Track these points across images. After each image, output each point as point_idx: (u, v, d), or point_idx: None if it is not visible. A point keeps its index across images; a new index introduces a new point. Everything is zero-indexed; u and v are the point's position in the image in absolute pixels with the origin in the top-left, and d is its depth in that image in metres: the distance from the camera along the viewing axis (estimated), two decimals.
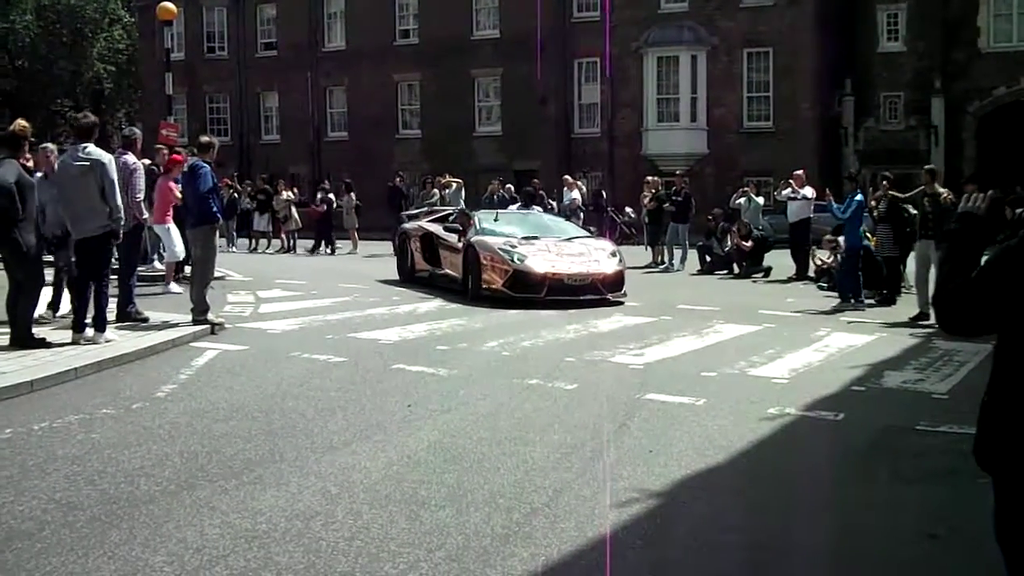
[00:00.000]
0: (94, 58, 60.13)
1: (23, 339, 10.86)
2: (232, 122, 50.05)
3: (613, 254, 17.51)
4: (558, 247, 17.29)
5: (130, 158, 13.43)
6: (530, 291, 16.12)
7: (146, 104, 49.19)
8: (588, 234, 20.08)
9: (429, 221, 20.74)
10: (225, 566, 5.16)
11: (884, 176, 17.64)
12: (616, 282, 16.83)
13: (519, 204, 26.36)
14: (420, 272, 19.60)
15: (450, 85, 43.34)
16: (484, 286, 16.61)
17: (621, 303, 16.36)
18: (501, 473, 6.86)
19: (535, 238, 17.62)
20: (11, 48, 59.68)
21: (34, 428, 8.03)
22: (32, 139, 11.53)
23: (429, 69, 43.94)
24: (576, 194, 29.93)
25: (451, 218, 19.87)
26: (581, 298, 16.05)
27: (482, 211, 21.48)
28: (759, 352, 11.85)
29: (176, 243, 16.96)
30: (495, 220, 18.92)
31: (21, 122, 11.47)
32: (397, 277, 20.49)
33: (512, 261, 16.34)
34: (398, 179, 32.88)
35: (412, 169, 38.61)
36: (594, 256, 17.17)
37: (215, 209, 13.29)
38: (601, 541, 5.65)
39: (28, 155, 11.62)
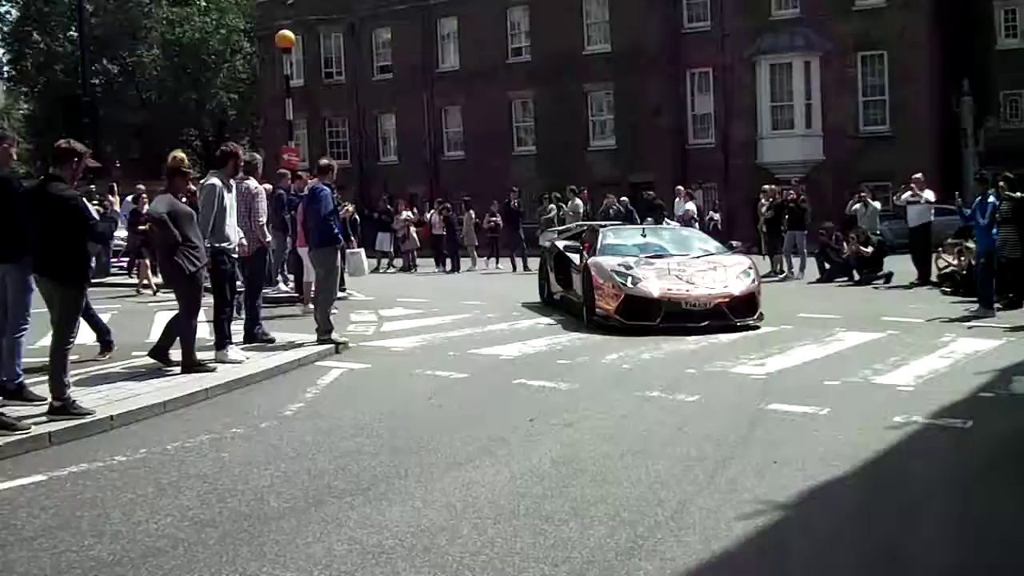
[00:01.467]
0: (218, 87, 61.68)
1: (188, 363, 11.23)
2: (351, 145, 50.80)
3: (747, 272, 15.41)
4: (682, 266, 15.54)
5: (252, 183, 13.80)
6: (643, 318, 14.35)
7: (267, 130, 50.17)
8: (724, 249, 17.18)
9: (565, 238, 19.08)
10: None
11: (1004, 176, 17.05)
12: (747, 305, 14.79)
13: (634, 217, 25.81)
14: (555, 294, 18.32)
15: (563, 101, 43.44)
16: (598, 311, 14.98)
17: (755, 327, 14.69)
18: (624, 486, 6.87)
19: (658, 257, 16.02)
20: (139, 82, 61.56)
21: (167, 447, 8.27)
22: (187, 169, 11.92)
23: (542, 86, 44.09)
24: (691, 205, 29.74)
25: (582, 235, 18.38)
26: (703, 325, 14.23)
27: (610, 225, 19.61)
28: (883, 360, 11.66)
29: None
30: (618, 236, 17.36)
31: (175, 154, 11.89)
32: (515, 294, 20.57)
33: (625, 285, 14.64)
34: (512, 194, 33.01)
35: (528, 186, 38.70)
36: (722, 276, 15.17)
37: (336, 230, 13.55)
38: (727, 555, 5.63)
39: (189, 184, 12.08)
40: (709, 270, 15.44)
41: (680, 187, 31.77)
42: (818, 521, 6.27)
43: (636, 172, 40.60)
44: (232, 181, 12.50)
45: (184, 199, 11.58)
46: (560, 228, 22.79)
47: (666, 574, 5.33)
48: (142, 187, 24.15)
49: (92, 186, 21.54)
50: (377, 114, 50.15)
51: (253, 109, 61.19)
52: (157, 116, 60.60)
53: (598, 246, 16.51)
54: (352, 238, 17.36)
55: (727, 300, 14.60)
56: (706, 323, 14.26)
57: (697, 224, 28.05)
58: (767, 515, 6.26)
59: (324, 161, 14.61)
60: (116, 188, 20.82)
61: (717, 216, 33.99)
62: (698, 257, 16.24)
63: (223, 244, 11.94)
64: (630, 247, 16.62)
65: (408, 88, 47.78)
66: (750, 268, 15.57)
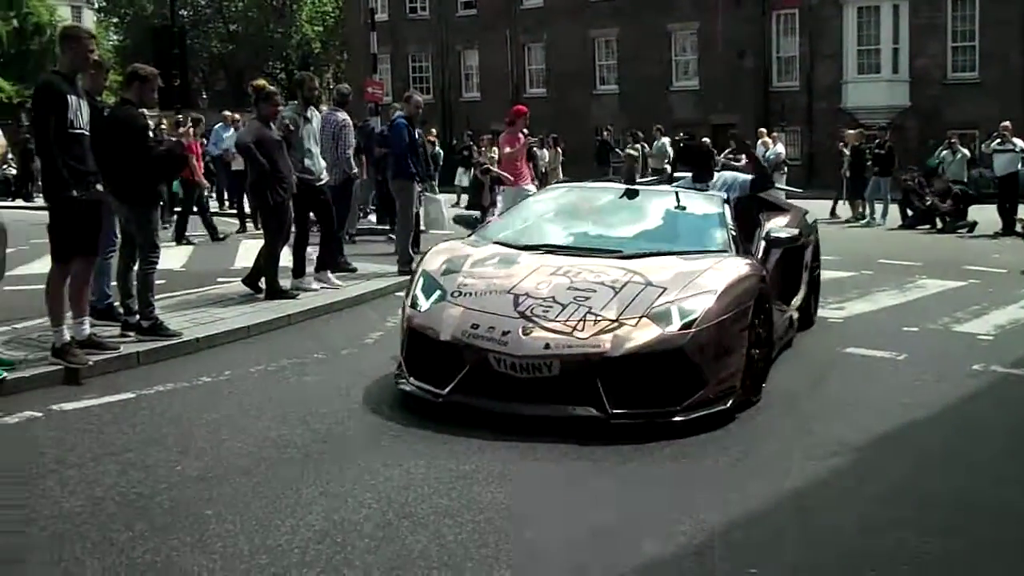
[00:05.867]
0: (303, 21, 61.98)
1: (272, 291, 11.44)
2: (434, 80, 50.79)
3: (702, 297, 7.18)
4: (599, 274, 7.55)
5: (341, 114, 13.93)
6: (431, 378, 7.18)
7: (352, 64, 50.36)
8: (728, 250, 8.27)
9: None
10: (431, 504, 5.40)
11: None
12: (658, 374, 6.84)
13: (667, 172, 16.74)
14: None
15: (647, 40, 43.00)
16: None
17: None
18: (705, 419, 6.90)
19: (586, 250, 8.17)
20: (226, 15, 62.08)
21: (251, 370, 8.48)
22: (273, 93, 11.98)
23: (626, 24, 43.68)
24: (780, 148, 29.10)
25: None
26: (530, 411, 6.78)
27: (584, 185, 10.96)
28: (963, 308, 11.56)
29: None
30: (555, 201, 9.76)
31: (257, 82, 12.01)
32: None
33: (415, 308, 7.61)
34: (606, 132, 32.77)
35: (611, 124, 38.47)
36: (640, 303, 7.15)
37: (411, 167, 13.66)
38: (797, 494, 5.71)
39: (274, 110, 11.97)
40: (631, 284, 7.39)
41: (764, 129, 31.37)
42: (891, 465, 6.28)
43: (719, 113, 40.19)
44: (317, 111, 12.55)
45: (276, 129, 11.64)
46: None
47: (738, 511, 5.39)
48: (228, 113, 24.35)
49: (179, 116, 21.78)
50: (460, 50, 50.04)
51: (337, 43, 61.46)
52: (243, 48, 61.16)
53: (494, 217, 11.08)
54: (431, 179, 17.06)
55: (597, 358, 6.76)
56: (544, 408, 6.79)
57: (786, 169, 27.64)
58: (840, 456, 6.31)
59: (407, 94, 14.72)
60: (182, 119, 20.90)
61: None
62: (657, 255, 8.04)
63: (303, 175, 12.02)
64: (551, 226, 9.00)
65: (491, 24, 47.60)
66: (715, 293, 7.21)
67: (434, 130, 36.86)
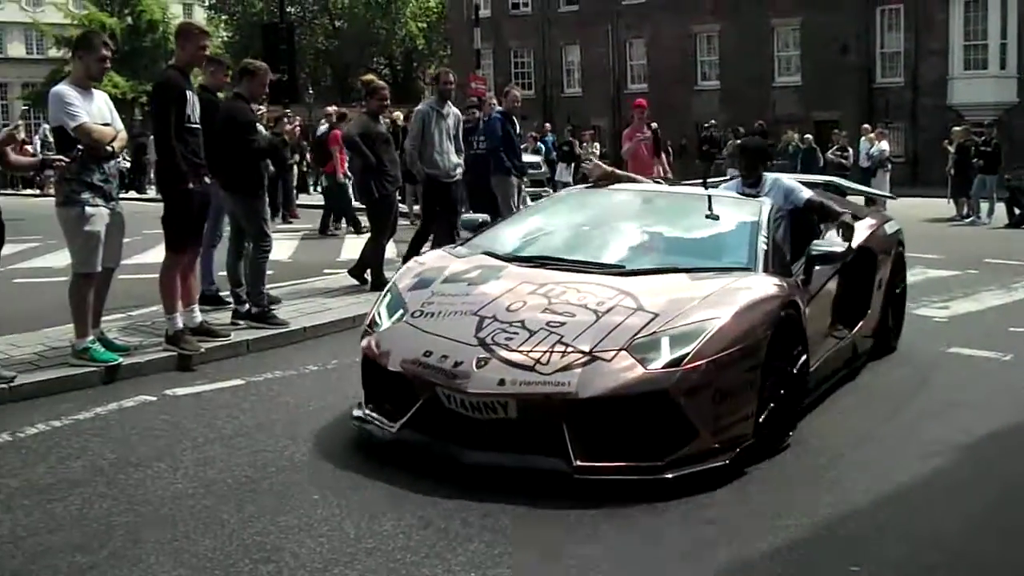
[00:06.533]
0: (407, 17, 62.59)
1: (377, 282, 11.51)
2: (535, 76, 50.95)
3: (690, 333, 5.82)
4: (575, 291, 6.34)
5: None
6: (385, 410, 6.22)
7: (454, 59, 50.71)
8: (748, 267, 6.82)
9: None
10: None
11: None
12: (629, 422, 5.62)
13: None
14: None
15: (749, 35, 42.64)
16: None
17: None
18: (808, 417, 6.93)
19: (572, 264, 6.86)
20: (332, 11, 62.93)
21: (356, 359, 8.51)
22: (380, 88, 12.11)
23: (728, 20, 43.37)
24: (885, 145, 28.60)
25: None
26: (488, 460, 5.69)
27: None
28: None
29: None
30: (562, 206, 8.58)
31: (365, 77, 12.24)
32: None
33: (372, 328, 6.63)
34: (711, 127, 32.61)
35: (713, 120, 38.25)
36: (618, 330, 5.89)
37: (505, 162, 13.68)
38: (904, 489, 5.71)
39: (384, 106, 12.21)
40: (619, 308, 6.12)
41: (867, 126, 30.91)
42: (997, 467, 6.23)
43: (821, 110, 39.73)
44: (452, 108, 12.62)
45: (384, 123, 11.80)
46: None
47: (841, 509, 5.40)
48: (331, 109, 24.72)
49: (288, 110, 22.18)
50: (562, 45, 50.11)
51: (440, 39, 61.94)
52: (348, 44, 61.92)
53: (494, 226, 8.29)
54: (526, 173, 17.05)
55: (560, 400, 5.58)
56: (500, 456, 5.69)
57: (890, 166, 27.21)
58: (944, 456, 6.28)
59: (505, 88, 14.82)
60: (290, 115, 21.29)
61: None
62: (665, 272, 6.73)
63: (432, 170, 12.12)
64: (554, 235, 7.73)
65: (593, 20, 47.56)
66: (718, 321, 5.91)
67: (548, 124, 37.09)
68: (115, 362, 7.96)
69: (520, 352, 5.78)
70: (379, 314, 6.66)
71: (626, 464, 5.52)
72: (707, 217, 7.29)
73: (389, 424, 6.06)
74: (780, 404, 6.20)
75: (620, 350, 5.70)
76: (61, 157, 7.81)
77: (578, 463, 5.46)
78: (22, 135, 7.71)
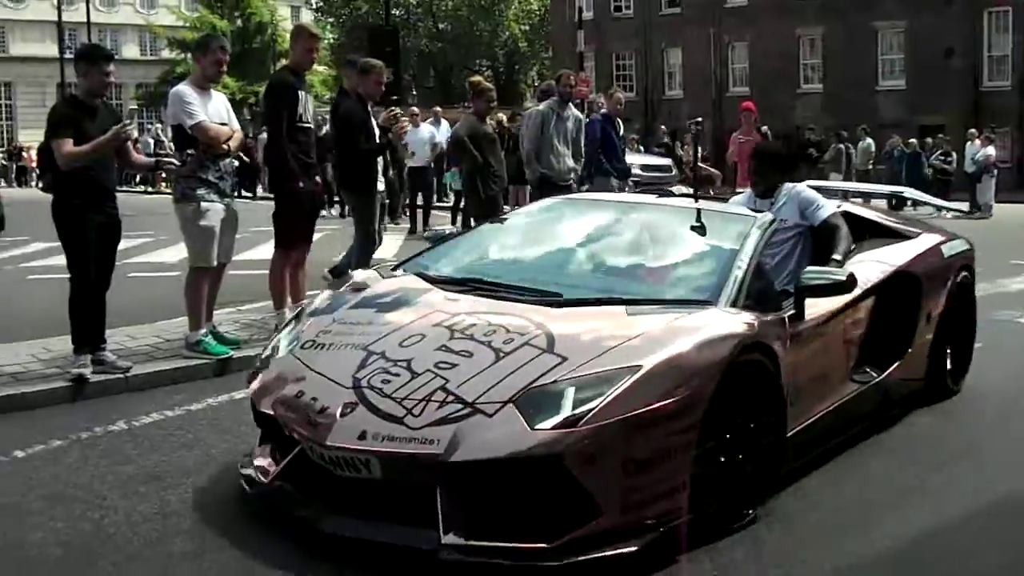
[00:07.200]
0: (510, 19, 63.01)
1: None
2: (636, 78, 50.98)
3: (606, 380, 4.66)
4: (487, 324, 5.24)
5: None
6: (263, 456, 5.39)
7: (556, 61, 50.91)
8: (705, 301, 5.52)
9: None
10: None
11: None
12: (518, 485, 4.53)
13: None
14: None
15: (852, 38, 42.22)
16: None
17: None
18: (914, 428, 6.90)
19: (505, 290, 5.76)
20: (436, 13, 63.59)
21: None
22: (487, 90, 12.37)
23: (831, 22, 42.96)
24: (991, 150, 28.15)
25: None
26: (352, 531, 4.72)
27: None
28: None
29: None
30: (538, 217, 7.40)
31: (473, 79, 12.53)
32: None
33: (273, 353, 5.75)
34: (810, 131, 32.45)
35: (814, 124, 37.96)
36: (513, 376, 4.80)
37: (604, 164, 13.73)
38: (1002, 500, 5.62)
39: (491, 107, 12.46)
40: (525, 348, 5.01)
41: (973, 131, 30.46)
42: None
43: (925, 114, 39.16)
44: (573, 110, 12.65)
45: (492, 125, 12.02)
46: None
47: (947, 514, 5.37)
48: (438, 109, 25.20)
49: (396, 108, 22.60)
50: (664, 48, 50.08)
51: (542, 41, 62.21)
52: (451, 46, 62.53)
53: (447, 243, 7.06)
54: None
55: (428, 462, 4.54)
56: (363, 527, 4.71)
57: (995, 172, 26.76)
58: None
59: (610, 91, 14.95)
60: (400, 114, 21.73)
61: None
62: (604, 303, 5.53)
63: (546, 171, 12.22)
64: (503, 253, 6.78)
65: (695, 22, 47.39)
66: (633, 372, 4.69)
67: (663, 127, 37.07)
68: (227, 355, 8.30)
69: (392, 399, 4.78)
70: (279, 340, 5.80)
71: (504, 546, 4.43)
72: (692, 229, 6.23)
73: (262, 475, 5.21)
74: (734, 472, 5.04)
75: (507, 402, 4.61)
76: (172, 160, 8.23)
77: (448, 540, 4.42)
78: (135, 134, 8.06)
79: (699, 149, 12.11)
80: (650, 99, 49.67)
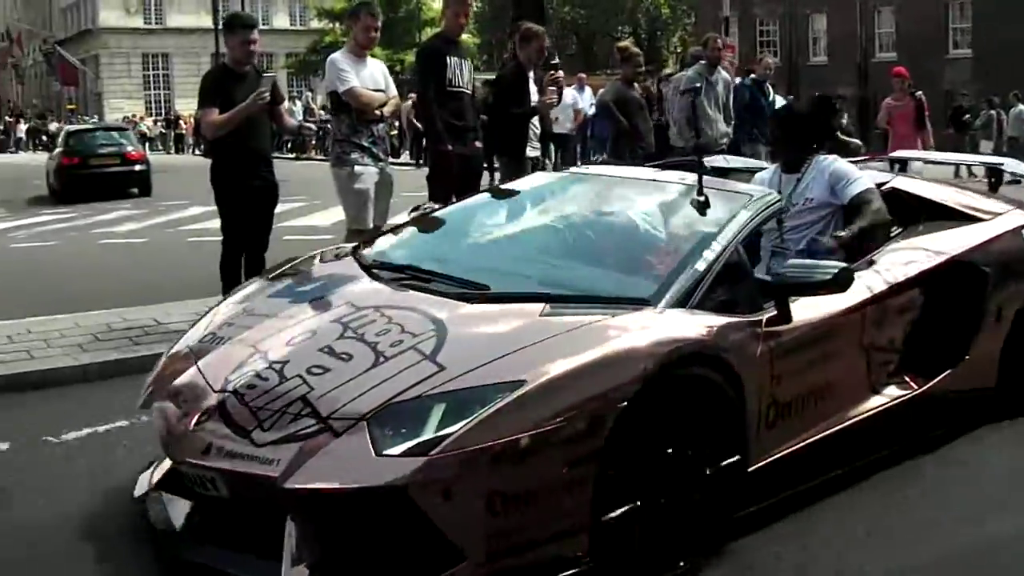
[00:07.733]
0: None
1: None
2: (780, 44, 50.43)
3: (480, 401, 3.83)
4: (386, 321, 4.54)
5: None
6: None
7: (699, 27, 50.68)
8: (643, 300, 4.52)
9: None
10: None
11: None
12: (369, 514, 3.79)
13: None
14: None
15: (1006, 2, 41.11)
16: None
17: None
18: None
19: (435, 279, 4.97)
20: None
21: None
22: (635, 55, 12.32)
23: None
24: None
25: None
26: (200, 558, 4.23)
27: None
28: None
29: None
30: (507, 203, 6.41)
31: (620, 44, 12.72)
32: None
33: (185, 344, 5.08)
34: (962, 98, 31.82)
35: (964, 90, 37.15)
36: (382, 386, 4.03)
37: (754, 132, 13.25)
38: None
39: (639, 73, 12.40)
40: (408, 353, 4.22)
41: None
42: None
43: None
44: (723, 73, 12.44)
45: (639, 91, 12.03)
46: None
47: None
48: (583, 75, 25.52)
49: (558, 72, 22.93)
50: (808, 13, 49.45)
51: (684, 7, 61.89)
52: (593, 13, 62.62)
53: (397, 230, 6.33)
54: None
55: (267, 485, 3.82)
56: (209, 555, 4.19)
57: None
58: None
59: (759, 56, 14.77)
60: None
61: None
62: (526, 300, 4.59)
63: (700, 140, 11.73)
64: (459, 236, 5.93)
65: None
66: (513, 388, 3.85)
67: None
68: None
69: (249, 408, 4.14)
70: (191, 331, 5.16)
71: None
72: (692, 204, 5.13)
73: (144, 485, 4.74)
74: (665, 513, 4.16)
75: (360, 419, 3.87)
76: (310, 125, 9.44)
77: None
78: (269, 98, 8.37)
79: (843, 119, 11.81)
80: (794, 65, 49.07)
